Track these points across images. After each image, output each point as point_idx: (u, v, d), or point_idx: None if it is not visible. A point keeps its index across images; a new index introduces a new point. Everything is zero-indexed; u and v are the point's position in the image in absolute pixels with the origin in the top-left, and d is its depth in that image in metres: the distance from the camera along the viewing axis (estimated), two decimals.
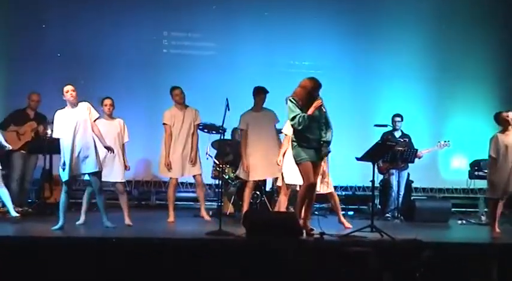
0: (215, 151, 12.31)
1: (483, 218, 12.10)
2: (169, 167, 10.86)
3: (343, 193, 13.39)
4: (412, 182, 12.97)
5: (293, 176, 10.04)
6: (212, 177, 12.34)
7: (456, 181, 13.77)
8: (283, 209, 10.37)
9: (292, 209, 9.90)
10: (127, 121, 10.48)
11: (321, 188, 10.37)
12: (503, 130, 10.39)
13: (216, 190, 12.73)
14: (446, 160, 14.20)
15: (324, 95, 9.28)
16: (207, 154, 11.79)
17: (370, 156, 9.72)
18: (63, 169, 9.20)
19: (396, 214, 12.12)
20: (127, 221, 10.12)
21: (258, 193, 11.64)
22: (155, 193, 13.76)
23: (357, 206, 13.44)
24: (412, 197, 12.81)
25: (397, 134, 12.55)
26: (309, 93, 9.07)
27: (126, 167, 10.43)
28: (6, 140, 10.82)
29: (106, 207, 9.56)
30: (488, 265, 8.07)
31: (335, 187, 10.98)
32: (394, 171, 12.35)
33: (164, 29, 13.90)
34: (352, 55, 14.07)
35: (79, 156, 9.23)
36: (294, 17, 13.89)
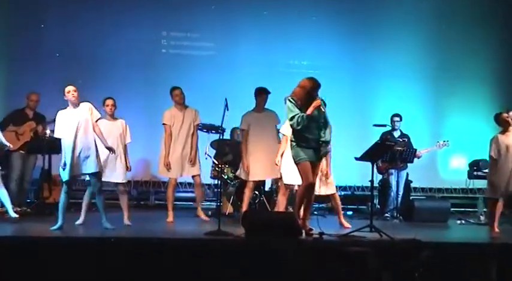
0: (214, 151, 12.30)
1: (482, 218, 12.11)
2: (168, 167, 10.87)
3: (342, 192, 13.39)
4: (411, 182, 12.98)
5: (292, 176, 10.05)
6: (211, 177, 12.35)
7: (455, 181, 13.77)
8: (281, 209, 10.37)
9: (291, 209, 9.90)
10: (126, 121, 10.48)
11: (323, 190, 10.41)
12: (504, 131, 10.41)
13: (215, 190, 12.75)
14: (445, 160, 14.21)
15: (323, 95, 9.29)
16: (206, 153, 11.81)
17: (369, 156, 9.73)
18: (64, 169, 9.20)
19: (395, 214, 12.13)
20: (126, 221, 10.12)
21: (256, 193, 11.64)
22: (154, 193, 13.77)
23: (356, 206, 13.46)
24: (411, 197, 12.81)
25: (396, 134, 12.56)
26: (308, 93, 9.08)
27: (127, 168, 10.44)
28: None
29: (105, 208, 9.54)
30: (487, 264, 8.08)
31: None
32: (393, 171, 12.36)
33: (163, 29, 13.91)
34: (351, 55, 14.08)
35: (80, 156, 9.23)
36: (292, 16, 13.91)
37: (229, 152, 12.33)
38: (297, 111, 8.99)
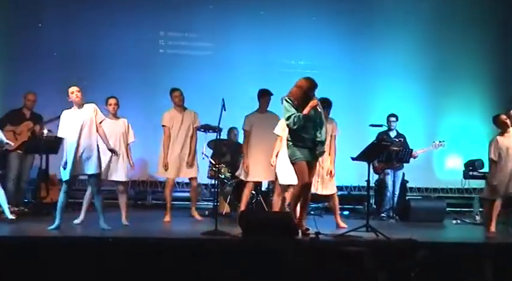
0: (211, 151, 12.33)
1: (478, 217, 12.15)
2: (166, 167, 10.92)
3: (339, 192, 13.31)
4: (407, 182, 13.01)
5: (287, 177, 10.07)
6: (208, 177, 12.37)
7: (451, 181, 13.80)
8: (277, 210, 10.39)
9: (288, 209, 9.93)
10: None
11: (323, 190, 10.46)
12: (502, 132, 10.41)
13: (212, 189, 12.76)
14: (441, 160, 14.24)
15: (319, 95, 9.32)
16: (203, 153, 11.84)
17: (365, 156, 9.76)
18: (64, 168, 9.22)
19: (391, 214, 12.17)
20: (124, 221, 10.15)
21: (253, 192, 11.66)
22: (151, 193, 13.81)
23: (352, 206, 13.50)
24: (407, 197, 12.85)
25: (392, 134, 12.58)
26: (304, 93, 9.10)
27: (131, 166, 10.52)
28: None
29: (103, 208, 9.55)
30: (483, 264, 8.10)
31: None
32: (389, 171, 12.39)
33: (161, 29, 13.91)
34: (348, 55, 14.10)
35: (82, 156, 9.25)
36: (290, 16, 13.92)
37: (227, 151, 12.35)
38: (293, 111, 9.01)
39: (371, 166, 10.04)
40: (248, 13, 13.96)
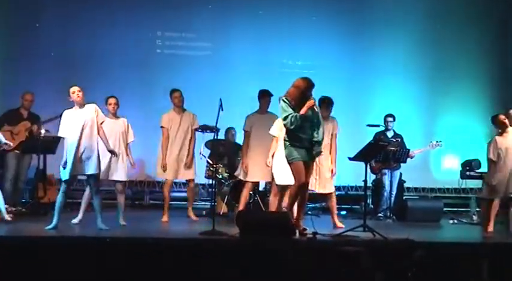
0: (209, 151, 12.33)
1: (475, 217, 12.16)
2: (165, 168, 10.95)
3: (336, 192, 13.40)
4: (404, 182, 13.02)
5: (283, 177, 10.08)
6: (206, 177, 12.39)
7: (448, 181, 13.79)
8: (273, 210, 10.39)
9: (285, 209, 9.94)
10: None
11: (322, 188, 10.49)
12: (501, 132, 10.40)
13: (210, 189, 12.77)
14: (438, 160, 14.25)
15: (317, 95, 9.33)
16: (200, 153, 11.83)
17: (362, 156, 9.78)
18: (64, 168, 9.21)
19: (388, 214, 12.17)
20: (121, 221, 10.15)
21: (250, 192, 11.66)
22: (149, 193, 13.81)
23: (349, 206, 13.49)
24: (404, 197, 12.84)
25: (390, 134, 12.60)
26: (302, 93, 9.11)
27: (132, 165, 10.54)
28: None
29: (102, 209, 9.55)
30: (480, 264, 8.11)
31: None
32: (386, 171, 12.40)
33: (159, 29, 13.90)
34: (345, 54, 14.11)
35: (82, 156, 9.24)
36: (288, 16, 13.93)
37: (224, 152, 12.34)
38: (290, 111, 9.02)
39: (368, 166, 10.07)
40: (247, 13, 13.97)
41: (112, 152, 9.75)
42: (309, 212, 11.84)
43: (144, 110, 12.76)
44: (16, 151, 11.37)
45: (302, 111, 9.00)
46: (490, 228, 10.32)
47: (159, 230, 10.21)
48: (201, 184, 13.18)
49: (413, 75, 14.21)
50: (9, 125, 11.43)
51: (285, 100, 9.11)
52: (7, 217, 10.08)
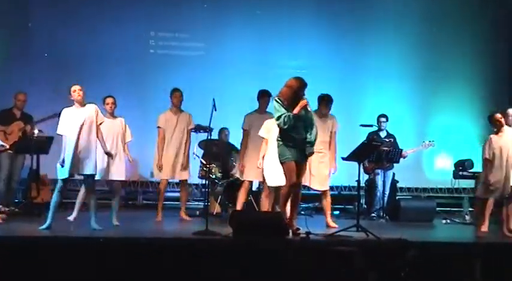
0: (202, 151, 12.33)
1: (467, 217, 12.18)
2: (161, 169, 10.96)
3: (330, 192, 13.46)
4: (397, 182, 13.04)
5: (274, 178, 10.08)
6: (199, 177, 12.39)
7: (441, 181, 13.83)
8: (265, 210, 10.40)
9: (278, 209, 9.95)
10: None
11: (317, 185, 10.53)
12: (497, 132, 10.39)
13: (203, 189, 12.78)
14: (431, 160, 14.28)
15: (310, 95, 9.33)
16: (194, 153, 11.84)
17: (356, 156, 9.79)
18: (62, 166, 9.18)
19: (381, 214, 12.20)
20: (114, 221, 10.15)
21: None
22: (142, 193, 13.81)
23: (342, 206, 13.49)
24: (397, 197, 12.85)
25: (383, 134, 12.63)
26: (294, 92, 9.11)
27: (131, 162, 10.61)
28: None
29: (97, 209, 9.53)
30: (473, 264, 8.13)
31: None
32: (379, 171, 12.43)
33: (154, 28, 13.91)
34: (339, 55, 14.15)
35: (80, 155, 9.21)
36: (282, 16, 13.97)
37: (217, 152, 12.33)
38: (283, 111, 9.02)
39: (361, 166, 10.08)
40: (240, 13, 13.98)
41: (108, 154, 9.75)
42: (302, 212, 11.85)
43: (137, 110, 12.72)
44: (9, 151, 11.34)
45: (295, 111, 9.01)
46: (485, 228, 10.30)
47: (153, 230, 10.20)
48: (194, 184, 13.20)
49: (406, 76, 14.23)
50: (1, 125, 11.41)
51: (278, 100, 9.12)
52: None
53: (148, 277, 7.74)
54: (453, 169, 12.64)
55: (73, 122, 9.24)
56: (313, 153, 9.38)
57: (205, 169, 11.71)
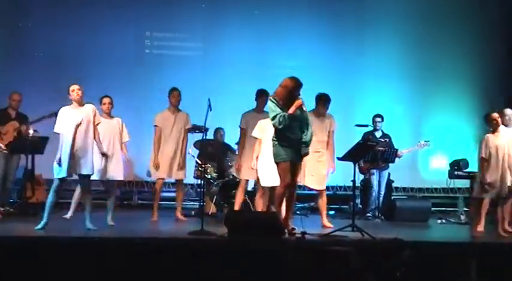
0: (197, 151, 12.33)
1: (462, 217, 12.18)
2: (157, 167, 10.95)
3: None
4: (393, 181, 13.05)
5: (268, 179, 10.07)
6: (194, 177, 12.37)
7: (436, 181, 13.84)
8: (259, 210, 10.40)
9: (274, 209, 9.94)
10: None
11: (315, 184, 10.54)
12: (493, 131, 10.38)
13: (198, 189, 12.76)
14: (426, 160, 14.28)
15: (305, 95, 9.33)
16: (189, 153, 11.83)
17: (351, 156, 9.79)
18: (59, 165, 9.14)
19: (377, 214, 12.20)
20: (109, 221, 10.14)
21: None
22: (137, 193, 13.80)
23: (338, 206, 13.49)
24: (392, 197, 12.87)
25: (378, 134, 12.63)
26: (289, 92, 9.11)
27: (127, 161, 10.57)
28: None
29: (92, 209, 9.51)
30: (468, 264, 8.14)
31: None
32: (374, 171, 12.44)
33: (150, 28, 13.90)
34: (334, 55, 14.14)
35: (77, 155, 9.19)
36: (279, 16, 13.96)
37: (213, 152, 12.31)
38: (278, 111, 9.02)
39: (357, 166, 10.08)
40: (237, 13, 13.96)
41: (104, 154, 9.73)
42: (298, 212, 11.85)
43: (132, 110, 12.69)
44: (4, 151, 11.32)
45: (290, 111, 9.01)
46: (481, 228, 10.30)
47: (148, 230, 10.19)
48: (189, 184, 13.19)
49: (401, 76, 14.24)
50: None
51: (273, 100, 9.12)
52: None
53: (144, 276, 7.74)
54: (448, 168, 12.64)
55: (71, 121, 9.22)
56: (308, 153, 9.37)
57: (200, 169, 11.74)
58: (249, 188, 11.86)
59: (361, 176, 12.64)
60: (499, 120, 10.37)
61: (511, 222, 10.57)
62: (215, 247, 8.30)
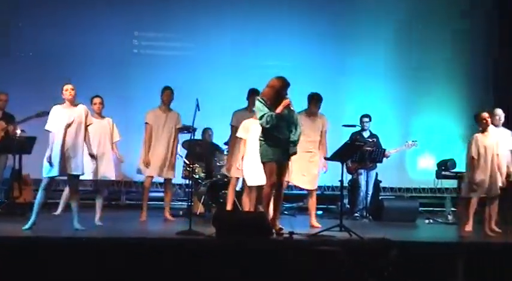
0: (185, 151, 12.32)
1: (450, 217, 12.22)
2: (148, 165, 10.93)
3: None
4: (380, 181, 13.08)
5: (254, 178, 10.06)
6: (182, 177, 12.36)
7: (423, 181, 13.89)
8: (246, 209, 10.40)
9: (261, 209, 9.95)
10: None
11: (306, 184, 10.57)
12: (482, 131, 10.39)
13: (187, 189, 12.76)
14: (414, 160, 14.33)
15: (293, 95, 9.34)
16: (177, 153, 11.82)
17: (339, 156, 9.81)
18: (49, 163, 9.09)
19: (365, 214, 12.23)
20: (97, 221, 10.12)
21: (227, 192, 11.65)
22: (125, 193, 13.78)
23: (325, 206, 13.49)
24: (380, 197, 12.91)
25: (366, 134, 12.66)
26: (277, 92, 9.11)
27: (120, 159, 10.59)
28: None
29: (79, 209, 9.48)
30: (456, 264, 8.16)
31: None
32: (362, 171, 12.46)
33: (135, 28, 13.88)
34: (322, 55, 14.16)
35: (67, 155, 9.15)
36: (267, 16, 13.97)
37: (201, 152, 12.31)
38: (266, 110, 9.02)
39: (344, 166, 10.09)
40: (226, 13, 13.96)
41: (92, 156, 9.71)
42: (285, 212, 11.85)
43: (121, 110, 12.65)
44: None
45: (278, 111, 9.01)
46: (469, 227, 10.33)
47: (136, 230, 10.17)
48: (178, 184, 13.18)
49: (389, 76, 14.29)
50: None
51: (261, 100, 9.12)
52: None
53: (132, 276, 7.72)
54: (436, 168, 12.68)
55: (62, 120, 9.19)
56: (296, 152, 9.37)
57: (188, 169, 11.73)
58: (237, 188, 11.87)
59: (349, 176, 12.66)
60: (489, 120, 10.39)
61: (498, 222, 10.61)
62: (203, 247, 8.29)
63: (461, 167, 11.57)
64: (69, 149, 9.18)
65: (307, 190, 10.80)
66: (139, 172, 11.25)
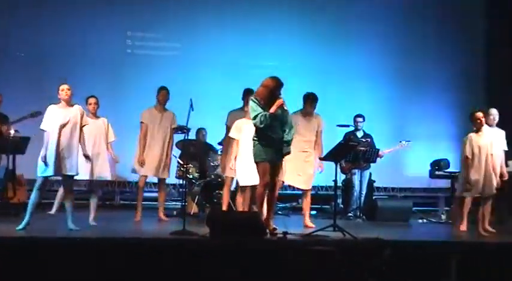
0: (179, 151, 12.32)
1: (443, 217, 12.25)
2: (142, 164, 10.92)
3: None
4: (374, 181, 13.10)
5: (247, 178, 10.06)
6: (176, 177, 12.37)
7: (417, 181, 13.92)
8: (240, 209, 10.41)
9: (255, 209, 9.95)
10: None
11: (301, 184, 10.59)
12: (477, 130, 10.39)
13: (180, 189, 12.77)
14: (408, 160, 14.33)
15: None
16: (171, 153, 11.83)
17: (333, 156, 9.81)
18: (44, 162, 9.07)
19: (358, 213, 12.25)
20: (91, 221, 10.12)
21: (221, 192, 11.67)
22: (119, 193, 13.78)
23: (319, 206, 13.51)
24: (373, 197, 12.94)
25: (359, 134, 12.67)
26: (270, 92, 9.11)
27: (115, 159, 10.55)
28: None
29: (73, 209, 9.48)
30: (449, 263, 8.18)
31: None
32: (356, 171, 12.48)
33: (128, 28, 13.88)
34: (316, 55, 14.20)
35: (62, 155, 9.14)
36: (259, 16, 14.00)
37: (195, 152, 12.31)
38: (260, 110, 9.02)
39: (338, 166, 10.10)
40: (218, 13, 13.97)
41: (87, 156, 9.70)
42: (279, 212, 11.86)
43: (116, 110, 12.65)
44: None
45: (271, 110, 9.01)
46: (463, 227, 10.34)
47: (130, 230, 10.16)
48: (171, 184, 13.18)
49: (383, 75, 14.32)
50: None
51: (254, 100, 9.12)
52: None
53: (126, 276, 7.73)
54: (429, 168, 12.70)
55: (57, 120, 9.19)
56: (290, 152, 9.37)
57: (182, 169, 11.74)
58: (231, 188, 11.88)
59: (343, 176, 12.68)
60: (483, 120, 10.40)
61: (493, 222, 10.63)
62: (197, 247, 8.30)
63: (454, 167, 11.60)
64: (64, 150, 9.18)
65: (302, 189, 10.81)
66: (133, 171, 11.24)
